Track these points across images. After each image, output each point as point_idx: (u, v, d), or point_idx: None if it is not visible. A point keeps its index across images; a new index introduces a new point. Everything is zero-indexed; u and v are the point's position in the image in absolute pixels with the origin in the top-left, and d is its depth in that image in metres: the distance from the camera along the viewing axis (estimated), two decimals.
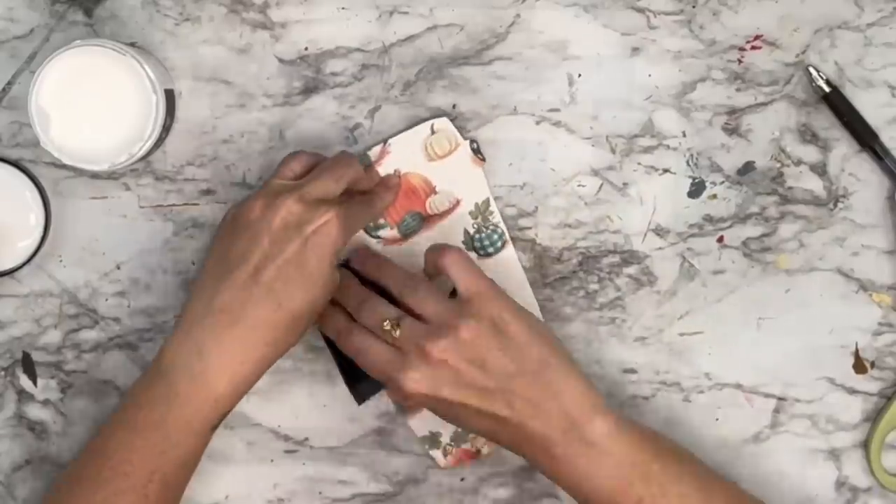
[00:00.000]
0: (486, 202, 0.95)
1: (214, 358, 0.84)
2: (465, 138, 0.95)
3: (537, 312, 0.95)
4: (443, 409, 0.85)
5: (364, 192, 0.92)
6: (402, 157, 0.94)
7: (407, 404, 0.87)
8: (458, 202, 0.95)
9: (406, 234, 0.95)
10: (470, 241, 0.95)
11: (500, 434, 0.85)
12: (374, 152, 0.94)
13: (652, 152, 0.95)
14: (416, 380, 0.83)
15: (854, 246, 0.96)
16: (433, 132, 0.94)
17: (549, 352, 0.85)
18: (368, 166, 0.94)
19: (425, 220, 0.95)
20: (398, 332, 0.85)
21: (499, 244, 0.95)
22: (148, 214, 0.96)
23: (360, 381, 0.93)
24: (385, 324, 0.85)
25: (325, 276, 0.86)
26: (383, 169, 0.94)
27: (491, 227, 0.95)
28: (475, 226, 0.95)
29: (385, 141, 0.94)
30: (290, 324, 0.85)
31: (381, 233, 0.95)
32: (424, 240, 0.94)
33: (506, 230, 0.95)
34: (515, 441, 0.85)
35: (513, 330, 0.84)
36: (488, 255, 0.95)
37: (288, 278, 0.84)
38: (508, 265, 0.95)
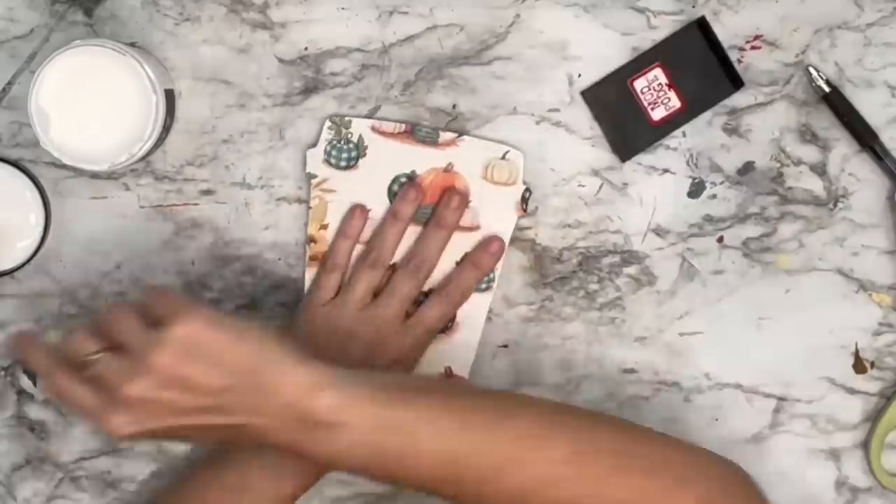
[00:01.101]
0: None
1: (290, 461, 0.88)
2: (525, 184, 0.95)
3: (470, 361, 0.95)
4: (161, 435, 0.79)
5: None
6: (463, 157, 0.94)
7: (121, 444, 0.84)
8: (477, 227, 0.95)
9: (418, 222, 0.95)
10: None
11: (235, 437, 0.80)
12: (444, 136, 0.94)
13: (652, 152, 0.95)
14: (120, 424, 0.77)
15: (854, 246, 0.96)
16: (503, 157, 0.94)
17: (256, 352, 0.78)
18: (435, 142, 0.94)
19: None
20: (98, 369, 0.78)
21: (483, 286, 0.95)
22: (148, 214, 0.96)
23: None
24: (89, 356, 0.79)
25: None
26: (438, 158, 0.94)
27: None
28: None
29: (460, 134, 0.94)
30: None
31: None
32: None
33: (496, 280, 0.95)
34: (254, 439, 0.80)
35: (211, 344, 0.78)
36: None
37: None
38: (479, 306, 0.95)
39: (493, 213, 0.95)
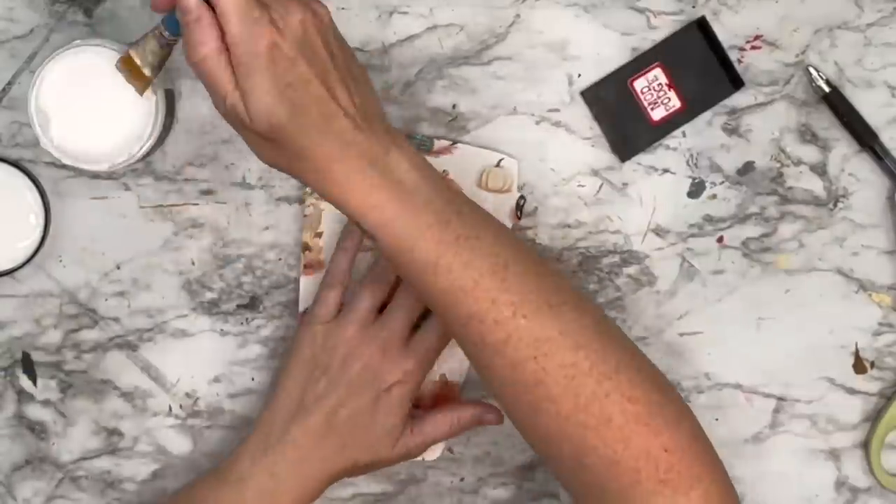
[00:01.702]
0: None
1: (283, 482, 0.89)
2: (519, 191, 0.95)
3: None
4: (283, 83, 0.76)
5: None
6: (458, 165, 0.94)
7: (259, 52, 0.76)
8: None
9: None
10: None
11: (323, 141, 0.77)
12: (438, 144, 0.94)
13: (652, 152, 0.95)
14: (280, 31, 0.76)
15: (854, 246, 0.96)
16: (498, 165, 0.94)
17: (367, 75, 0.82)
18: (429, 150, 0.94)
19: None
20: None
21: None
22: (148, 214, 0.96)
23: None
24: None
25: (391, 430, 0.90)
26: (438, 165, 0.94)
27: None
28: None
29: (455, 142, 0.94)
30: (350, 466, 0.90)
31: None
32: None
33: None
34: (333, 153, 0.78)
35: (345, 43, 0.81)
36: None
37: (356, 427, 0.89)
38: None
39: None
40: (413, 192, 0.78)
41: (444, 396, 0.96)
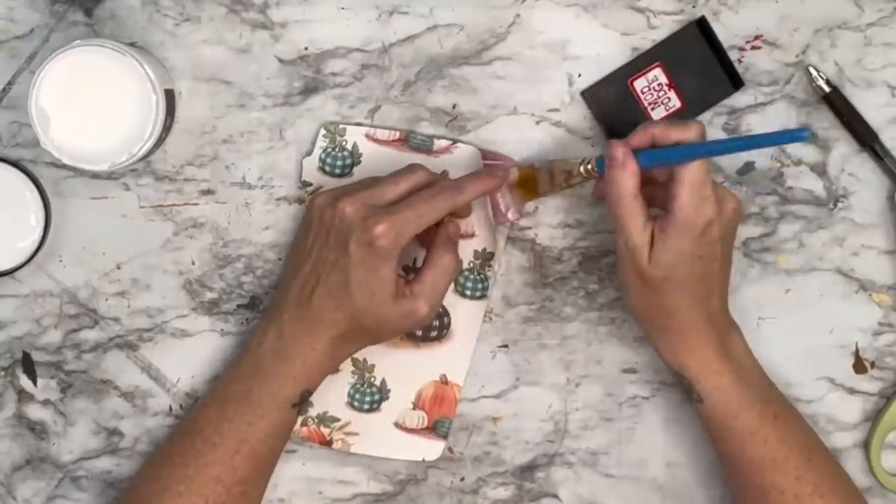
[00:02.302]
0: (492, 256, 0.95)
1: (290, 341, 0.90)
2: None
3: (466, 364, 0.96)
4: (704, 242, 0.86)
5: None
6: (458, 165, 0.94)
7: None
8: (472, 235, 0.95)
9: None
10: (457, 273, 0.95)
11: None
12: (438, 144, 0.94)
13: None
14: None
15: (854, 246, 0.96)
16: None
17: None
18: (429, 149, 0.94)
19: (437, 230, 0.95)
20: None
21: (478, 293, 0.95)
22: (148, 214, 0.96)
23: None
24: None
25: (382, 281, 0.88)
26: (433, 166, 0.94)
27: (481, 276, 0.95)
28: (470, 264, 0.95)
29: (455, 142, 0.94)
30: (352, 324, 0.89)
31: None
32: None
33: (491, 287, 0.95)
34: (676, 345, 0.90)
35: (734, 232, 0.90)
36: (464, 295, 0.95)
37: (345, 282, 0.89)
38: (473, 314, 0.96)
39: (486, 221, 0.95)
40: (747, 371, 0.90)
41: (444, 397, 0.96)
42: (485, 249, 0.95)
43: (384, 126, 0.95)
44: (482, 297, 0.95)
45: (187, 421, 0.93)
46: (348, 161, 0.95)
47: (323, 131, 0.94)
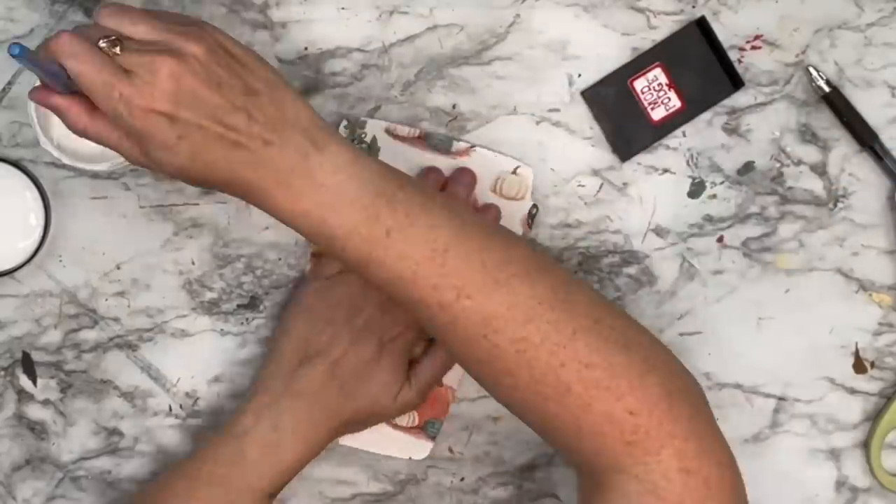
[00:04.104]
0: None
1: (288, 434, 0.89)
2: (533, 201, 0.95)
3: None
4: (178, 134, 0.77)
5: None
6: (474, 168, 0.94)
7: (133, 124, 0.77)
8: None
9: None
10: None
11: (233, 165, 0.77)
12: (457, 146, 0.94)
13: (652, 152, 0.95)
14: (150, 98, 0.76)
15: (854, 246, 0.96)
16: (514, 172, 0.94)
17: (276, 75, 0.79)
18: (447, 150, 0.94)
19: None
20: (119, 51, 0.77)
21: None
22: (148, 214, 0.96)
23: None
24: (102, 42, 0.77)
25: (393, 381, 0.91)
26: (450, 167, 0.94)
27: None
28: None
29: (473, 145, 0.94)
30: (352, 418, 0.91)
31: None
32: None
33: None
34: (249, 175, 0.78)
35: (240, 53, 0.78)
36: None
37: (359, 377, 0.90)
38: None
39: None
40: (337, 193, 0.77)
41: (437, 398, 0.95)
42: None
43: (403, 123, 0.95)
44: None
45: (152, 488, 0.91)
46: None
47: (344, 122, 0.94)
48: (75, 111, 0.78)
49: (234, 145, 0.77)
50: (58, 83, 0.78)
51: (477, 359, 0.80)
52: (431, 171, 0.94)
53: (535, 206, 0.95)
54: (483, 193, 0.94)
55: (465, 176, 0.94)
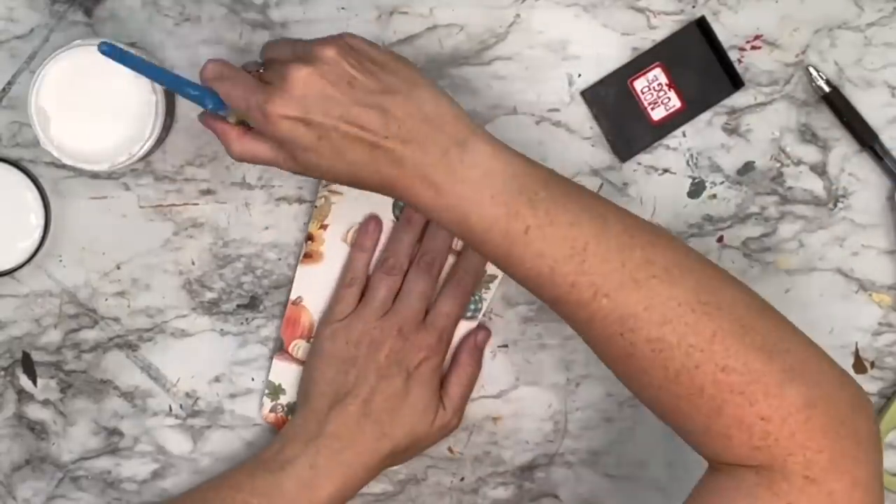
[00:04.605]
0: (492, 278, 0.95)
1: (324, 473, 0.90)
2: None
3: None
4: (313, 136, 0.79)
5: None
6: None
7: (274, 132, 0.80)
8: None
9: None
10: None
11: (374, 166, 0.79)
12: None
13: (652, 152, 0.95)
14: (282, 103, 0.79)
15: (854, 246, 0.96)
16: None
17: (416, 73, 0.81)
18: None
19: None
20: (263, 72, 0.83)
21: (468, 313, 0.95)
22: (148, 214, 0.96)
23: None
24: (251, 68, 0.84)
25: (427, 407, 0.92)
26: None
27: (477, 296, 0.95)
28: None
29: None
30: (390, 453, 0.91)
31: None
32: None
33: (483, 310, 0.95)
34: (390, 173, 0.79)
35: (375, 54, 0.81)
36: None
37: (392, 411, 0.91)
38: (460, 334, 0.95)
39: None
40: (478, 189, 0.78)
41: None
42: (484, 271, 0.95)
43: None
44: (472, 317, 0.95)
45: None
46: None
47: None
48: (231, 136, 0.83)
49: (372, 146, 0.79)
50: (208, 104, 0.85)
51: (613, 355, 0.80)
52: None
53: None
54: None
55: None
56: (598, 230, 0.79)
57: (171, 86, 0.85)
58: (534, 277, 0.79)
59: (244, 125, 0.84)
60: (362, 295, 0.94)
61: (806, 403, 0.77)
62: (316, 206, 0.95)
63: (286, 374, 0.96)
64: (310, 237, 0.95)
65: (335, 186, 0.94)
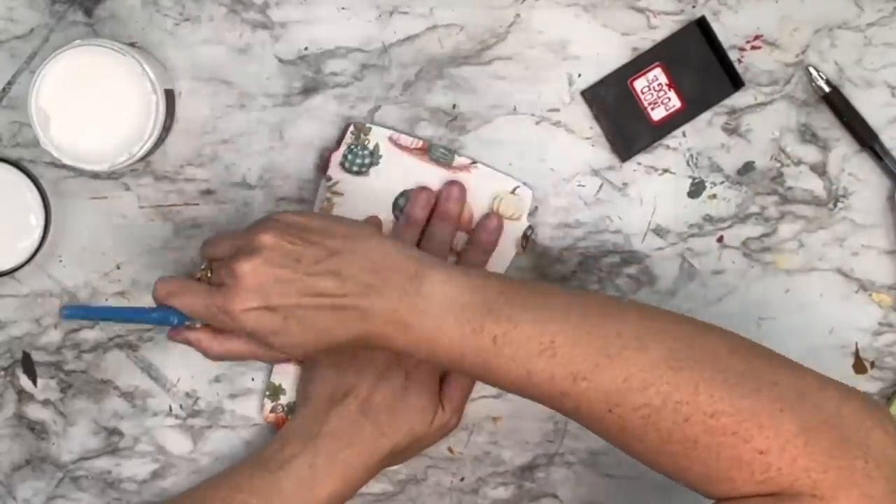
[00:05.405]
0: None
1: (323, 472, 0.90)
2: (529, 222, 0.95)
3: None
4: (277, 322, 0.81)
5: None
6: (474, 185, 0.94)
7: (242, 327, 0.82)
8: None
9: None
10: None
11: (344, 326, 0.81)
12: (458, 160, 0.94)
13: (652, 152, 0.95)
14: (241, 300, 0.81)
15: (854, 246, 0.96)
16: (513, 192, 0.94)
17: (352, 227, 0.83)
18: (449, 164, 0.95)
19: None
20: (210, 275, 0.85)
21: None
22: (148, 214, 0.96)
23: None
24: (197, 273, 0.86)
25: (426, 407, 0.92)
26: (449, 179, 0.94)
27: None
28: None
29: (475, 162, 0.94)
30: (390, 453, 0.91)
31: (404, 220, 0.95)
32: None
33: None
34: (360, 328, 0.81)
35: (309, 223, 0.83)
36: None
37: (391, 410, 0.91)
38: None
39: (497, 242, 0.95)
40: (440, 316, 0.80)
41: None
42: None
43: (409, 133, 0.95)
44: None
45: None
46: (367, 161, 0.95)
47: (351, 128, 0.94)
48: (205, 342, 0.86)
49: (335, 308, 0.81)
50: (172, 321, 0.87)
51: (609, 432, 0.81)
52: (422, 191, 0.94)
53: (530, 227, 0.95)
54: (480, 210, 0.95)
55: (454, 190, 0.94)
56: (562, 319, 0.80)
57: (136, 319, 0.90)
58: (515, 381, 0.80)
59: (212, 327, 0.86)
60: None
61: (803, 428, 0.77)
62: (320, 209, 0.95)
63: (286, 374, 0.96)
64: None
65: (338, 188, 0.95)
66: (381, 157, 0.95)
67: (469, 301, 0.80)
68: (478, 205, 0.95)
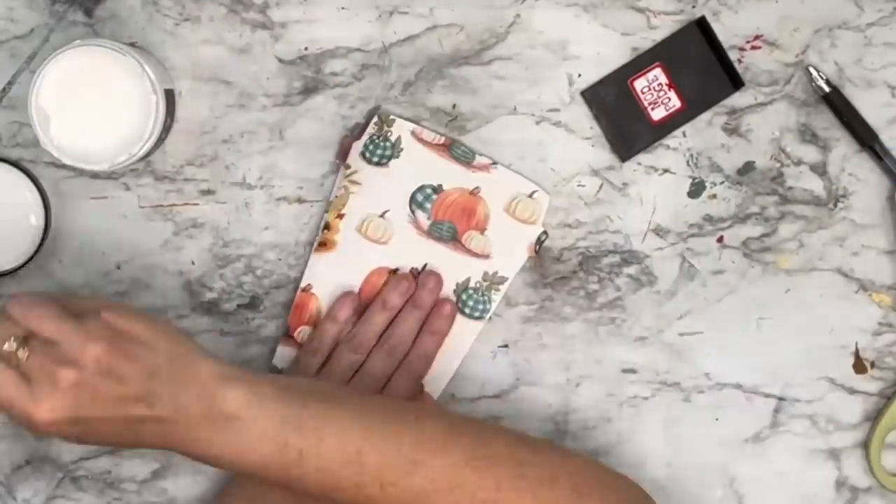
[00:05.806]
0: (503, 280, 0.95)
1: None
2: (543, 226, 0.95)
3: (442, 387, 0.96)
4: (82, 430, 0.81)
5: None
6: (492, 185, 0.95)
7: (39, 433, 0.81)
8: (487, 256, 0.95)
9: (431, 234, 0.95)
10: (460, 289, 0.95)
11: (146, 436, 0.81)
12: (478, 160, 0.95)
13: (652, 152, 0.96)
14: (50, 409, 0.79)
15: (854, 246, 0.96)
16: (531, 196, 0.95)
17: (175, 343, 0.82)
18: (469, 162, 0.95)
19: (453, 241, 0.95)
20: (26, 356, 0.80)
21: (476, 314, 0.95)
22: (148, 214, 0.96)
23: None
24: (6, 345, 0.80)
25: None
26: (468, 179, 0.94)
27: (486, 296, 0.95)
28: (477, 284, 0.95)
29: (495, 162, 0.94)
30: None
31: (419, 214, 0.95)
32: (435, 251, 0.95)
33: (491, 311, 0.95)
34: (164, 439, 0.81)
35: (136, 331, 0.81)
36: (462, 312, 0.95)
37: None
38: (466, 333, 0.95)
39: (506, 247, 0.95)
40: (243, 431, 0.81)
41: None
42: (496, 273, 0.95)
43: (433, 129, 0.95)
44: (480, 317, 0.95)
45: None
46: (388, 152, 0.95)
47: (375, 118, 0.94)
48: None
49: (140, 421, 0.80)
50: None
51: None
52: (402, 279, 0.94)
53: (544, 231, 0.95)
54: (496, 211, 0.95)
55: (430, 281, 0.94)
56: (367, 429, 0.82)
57: None
58: (323, 490, 0.82)
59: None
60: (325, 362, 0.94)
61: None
62: (336, 196, 0.95)
63: (289, 359, 0.96)
64: (326, 226, 0.95)
65: (356, 177, 0.95)
66: (402, 150, 0.95)
67: (273, 417, 0.81)
68: (495, 206, 0.95)
